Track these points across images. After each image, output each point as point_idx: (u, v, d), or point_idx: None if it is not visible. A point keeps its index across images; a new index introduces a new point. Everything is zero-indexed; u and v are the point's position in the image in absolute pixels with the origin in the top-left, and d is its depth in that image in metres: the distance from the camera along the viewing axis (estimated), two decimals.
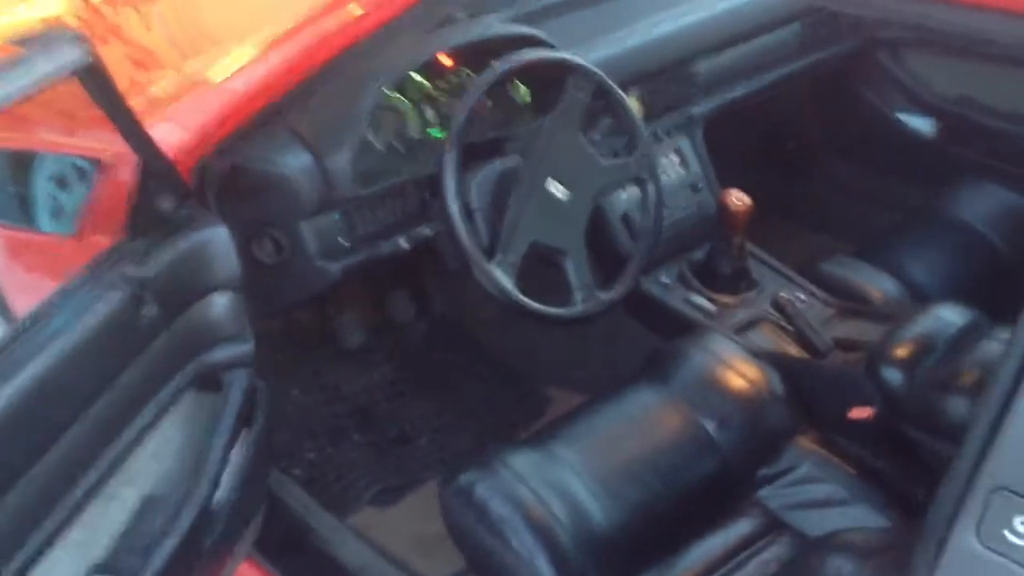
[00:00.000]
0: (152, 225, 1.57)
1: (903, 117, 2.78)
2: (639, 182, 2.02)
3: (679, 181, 2.38)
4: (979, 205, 2.56)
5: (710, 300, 2.24)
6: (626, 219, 2.25)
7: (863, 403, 1.93)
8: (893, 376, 1.88)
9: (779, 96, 2.61)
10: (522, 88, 2.18)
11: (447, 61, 2.11)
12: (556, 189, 1.90)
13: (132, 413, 1.52)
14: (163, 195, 1.58)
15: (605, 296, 1.93)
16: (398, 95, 2.04)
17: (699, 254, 2.35)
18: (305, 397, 2.49)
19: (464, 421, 2.51)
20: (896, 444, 1.91)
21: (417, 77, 2.07)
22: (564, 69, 1.93)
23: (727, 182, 2.39)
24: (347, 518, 2.23)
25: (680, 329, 2.19)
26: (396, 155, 2.02)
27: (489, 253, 1.84)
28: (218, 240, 1.63)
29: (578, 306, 1.90)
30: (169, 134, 1.72)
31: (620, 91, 2.00)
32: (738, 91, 2.52)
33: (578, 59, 1.95)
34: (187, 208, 1.63)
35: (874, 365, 1.91)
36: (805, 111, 2.92)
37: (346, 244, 1.91)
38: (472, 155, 2.00)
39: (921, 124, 2.76)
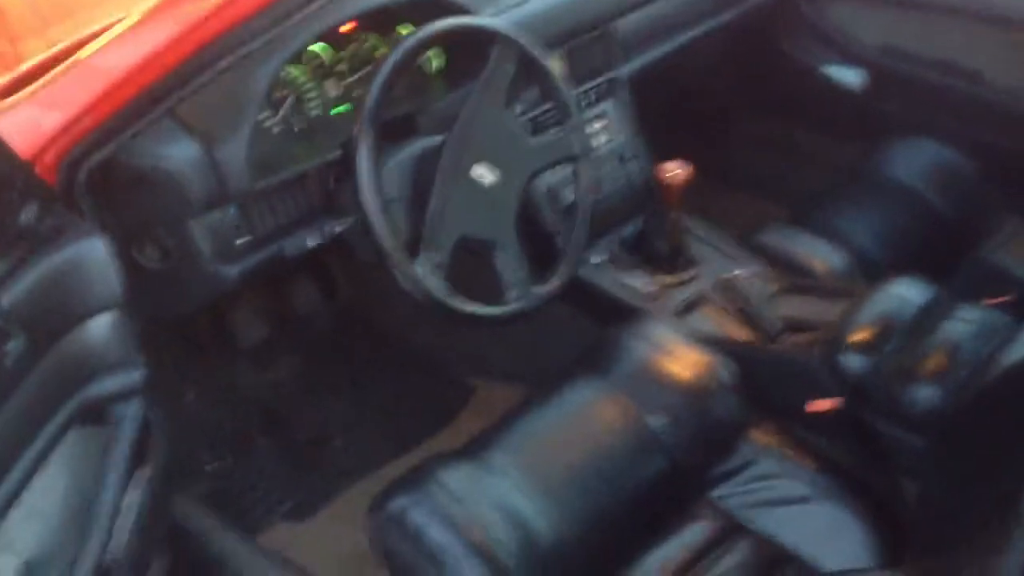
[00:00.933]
0: (8, 242, 1.31)
1: (829, 70, 2.63)
2: (572, 160, 1.82)
3: (607, 151, 2.20)
4: (913, 161, 2.43)
5: (646, 280, 2.06)
6: (552, 195, 2.06)
7: (820, 391, 1.80)
8: (853, 363, 1.75)
9: (701, 53, 2.43)
10: (433, 57, 1.95)
11: (347, 28, 1.87)
12: (483, 174, 1.69)
13: (2, 469, 1.27)
14: (19, 203, 1.32)
15: (540, 290, 1.74)
16: (295, 70, 1.80)
17: (630, 229, 2.18)
18: (201, 401, 2.25)
19: (381, 418, 2.31)
20: (860, 435, 1.78)
21: (316, 49, 1.83)
22: (487, 37, 1.71)
23: (654, 149, 2.23)
24: (260, 538, 2.01)
25: (614, 313, 2.03)
26: (295, 139, 1.79)
27: (411, 250, 1.62)
28: (93, 254, 1.38)
29: (511, 304, 1.70)
30: (25, 125, 1.46)
31: (548, 60, 1.79)
32: (660, 50, 2.33)
33: (502, 25, 1.73)
34: (53, 217, 1.37)
35: (831, 352, 1.77)
36: (728, 68, 2.74)
37: (243, 243, 1.68)
38: (383, 135, 1.78)
39: (848, 77, 2.61)
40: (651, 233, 2.09)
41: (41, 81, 1.54)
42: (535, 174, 1.76)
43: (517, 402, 1.82)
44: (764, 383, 1.87)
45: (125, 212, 1.60)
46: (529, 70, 1.78)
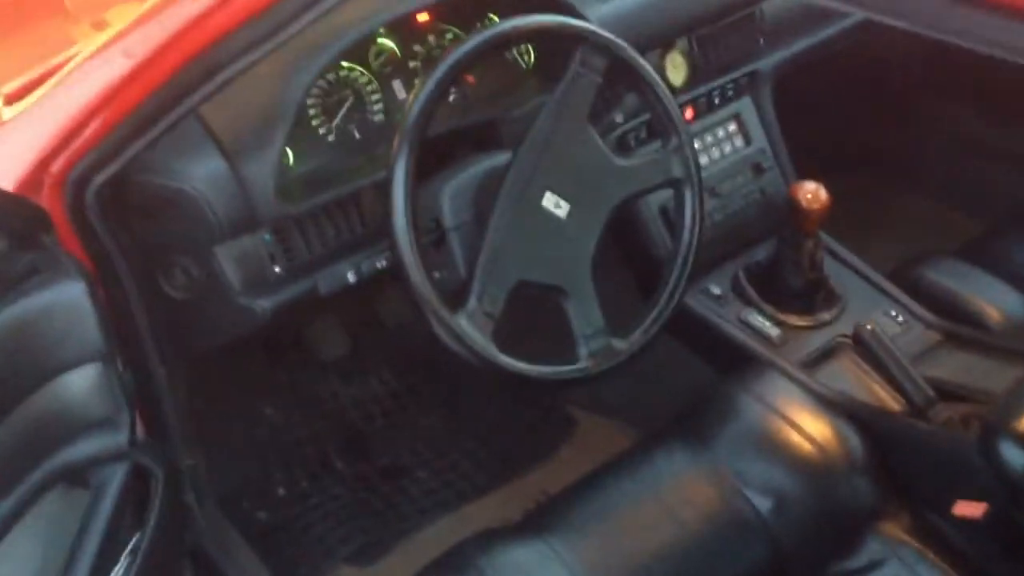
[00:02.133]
0: None
1: None
2: (673, 185, 1.50)
3: (739, 159, 1.86)
4: None
5: (773, 321, 1.73)
6: (665, 216, 1.75)
7: (975, 485, 1.43)
8: (1017, 457, 1.37)
9: (867, 39, 2.01)
10: (524, 51, 1.67)
11: (425, 18, 1.60)
12: (555, 204, 1.39)
13: None
14: None
15: (622, 345, 1.43)
16: (356, 66, 1.55)
17: (761, 253, 1.83)
18: (280, 416, 2.07)
19: (475, 447, 2.07)
20: (1018, 543, 1.41)
21: (384, 41, 1.58)
22: (569, 37, 1.41)
23: (796, 157, 1.87)
24: None
25: (731, 358, 1.71)
26: (352, 149, 1.55)
27: (457, 297, 1.35)
28: (70, 299, 1.19)
29: (583, 362, 1.41)
30: (27, 135, 1.28)
31: (648, 67, 1.46)
32: (817, 36, 1.95)
33: (590, 26, 1.42)
34: (29, 254, 1.19)
35: (991, 436, 1.40)
36: (902, 57, 2.29)
37: (279, 273, 1.46)
38: (450, 149, 1.52)
39: None
40: (783, 263, 1.74)
41: (50, 83, 1.35)
42: (622, 204, 1.45)
43: (594, 466, 1.55)
44: (905, 466, 1.54)
45: (143, 236, 1.41)
46: (623, 76, 1.47)
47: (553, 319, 1.44)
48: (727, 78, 1.85)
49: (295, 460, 2.03)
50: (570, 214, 1.40)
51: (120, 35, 1.32)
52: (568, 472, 1.61)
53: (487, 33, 1.35)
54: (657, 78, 1.47)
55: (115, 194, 1.36)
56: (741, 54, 1.85)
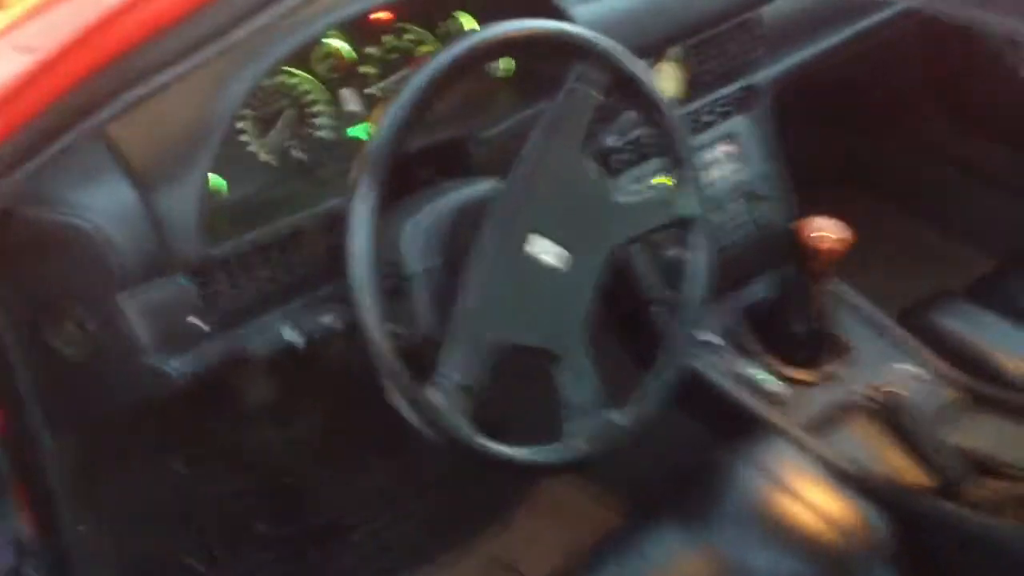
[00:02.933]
0: None
1: None
2: (683, 225, 1.26)
3: (731, 184, 1.63)
4: None
5: (776, 374, 1.50)
6: (649, 244, 1.52)
7: None
8: None
9: (877, 50, 1.81)
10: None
11: (383, 15, 1.34)
12: (543, 250, 1.14)
13: None
14: None
15: (622, 420, 1.19)
16: (296, 71, 1.28)
17: (757, 293, 1.61)
18: (192, 470, 1.77)
19: (423, 505, 1.81)
20: None
21: (331, 41, 1.31)
22: (570, 49, 1.15)
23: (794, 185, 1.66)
24: None
25: (729, 418, 1.48)
26: (292, 171, 1.27)
27: (418, 359, 1.09)
28: None
29: (577, 441, 1.16)
30: None
31: (654, 84, 1.22)
32: (821, 44, 1.73)
33: (593, 35, 1.17)
34: None
35: None
36: (917, 71, 2.08)
37: (201, 328, 1.18)
38: (407, 173, 1.26)
39: None
40: (786, 308, 1.52)
41: None
42: (619, 247, 1.21)
43: (564, 538, 1.32)
44: (934, 552, 1.32)
45: (27, 282, 1.12)
46: (625, 94, 1.22)
47: (536, 385, 1.19)
48: (722, 92, 1.62)
49: (209, 524, 1.74)
50: (561, 262, 1.15)
51: (15, 23, 1.04)
52: (533, 542, 1.37)
53: (474, 39, 1.09)
54: (664, 98, 1.23)
55: None
56: (738, 65, 1.62)
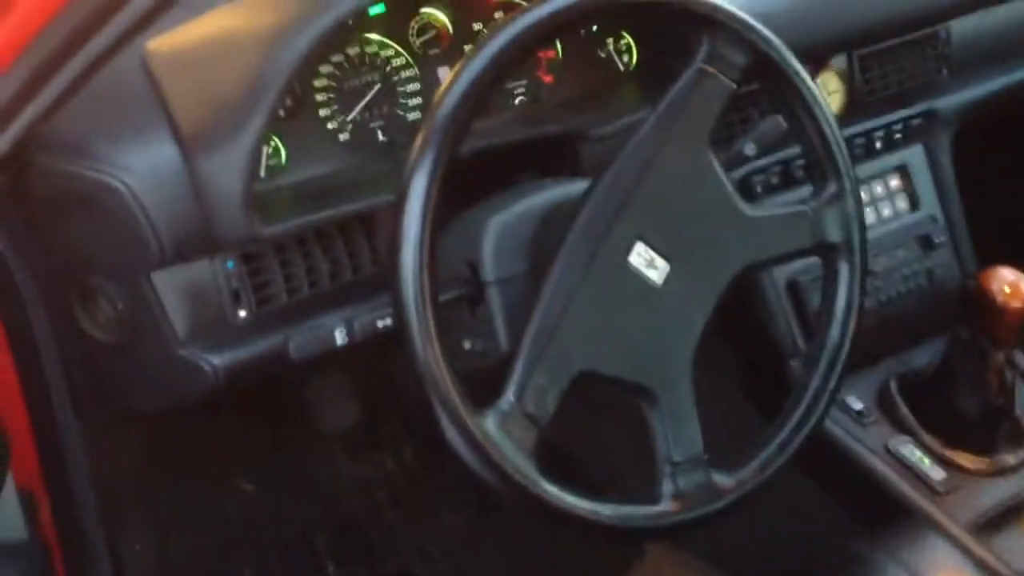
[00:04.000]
0: None
1: None
2: (825, 253, 1.02)
3: (900, 227, 1.39)
4: None
5: (936, 458, 1.23)
6: (794, 294, 1.28)
7: None
8: None
9: None
10: (624, 47, 1.22)
11: None
12: (649, 263, 0.92)
13: None
14: None
15: (727, 482, 0.95)
16: (390, 42, 1.12)
17: (922, 358, 1.35)
18: (262, 495, 1.61)
19: (502, 559, 1.59)
20: None
21: (431, 11, 1.14)
22: (696, 21, 0.95)
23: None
24: None
25: (873, 503, 1.22)
26: (372, 153, 1.11)
27: (492, 385, 0.89)
28: None
29: (668, 502, 0.93)
30: None
31: (808, 77, 1.00)
32: (1015, 75, 1.47)
33: (725, 4, 0.96)
34: None
35: None
36: None
37: (243, 319, 1.01)
38: (506, 170, 1.08)
39: None
40: (955, 378, 1.25)
41: None
42: (745, 272, 0.98)
43: None
44: None
45: (55, 248, 0.99)
46: (768, 87, 1.00)
47: (625, 430, 0.97)
48: (895, 116, 1.38)
49: (272, 552, 1.57)
50: (669, 279, 0.93)
51: None
52: None
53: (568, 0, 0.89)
54: (820, 95, 1.00)
55: (12, 182, 0.93)
56: (917, 86, 1.38)
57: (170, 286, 0.99)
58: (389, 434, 1.69)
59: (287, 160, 1.07)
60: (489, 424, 0.86)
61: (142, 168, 0.94)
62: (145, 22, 0.78)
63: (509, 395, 0.88)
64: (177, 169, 0.95)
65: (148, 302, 0.99)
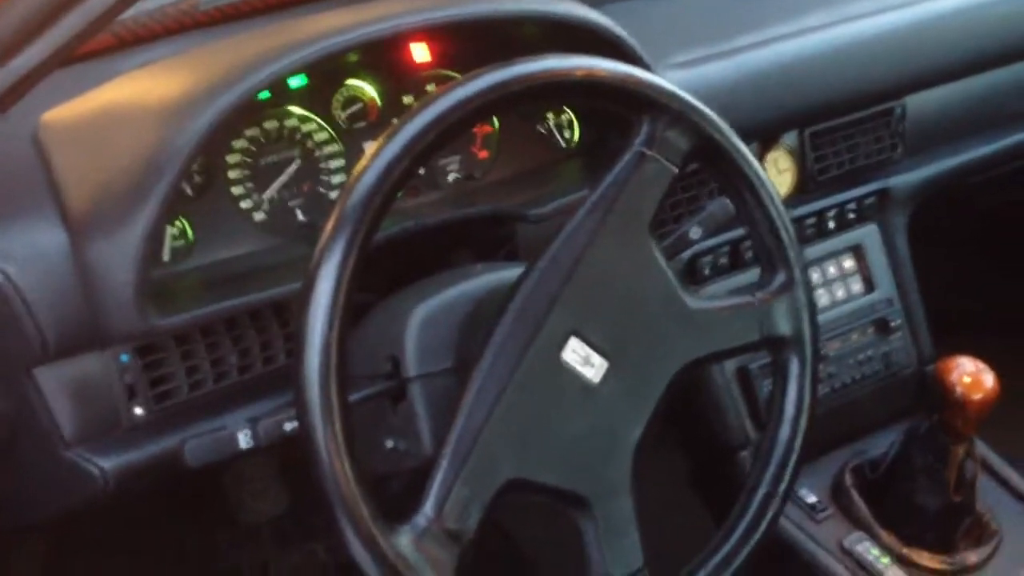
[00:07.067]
0: None
1: None
2: (775, 347, 0.95)
3: (854, 309, 1.33)
4: None
5: (892, 556, 1.16)
6: (743, 383, 1.21)
7: None
8: None
9: None
10: (566, 119, 1.15)
11: (424, 57, 1.09)
12: (584, 360, 0.85)
13: None
14: None
15: None
16: (312, 115, 1.04)
17: (876, 447, 1.28)
18: None
19: None
20: None
21: (357, 83, 1.07)
22: (635, 103, 0.88)
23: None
24: None
25: None
26: (289, 234, 1.03)
27: (410, 496, 0.80)
28: None
29: None
30: None
31: (753, 159, 0.93)
32: (976, 151, 1.43)
33: (668, 85, 0.89)
34: None
35: None
36: None
37: (138, 417, 0.92)
38: (435, 253, 1.00)
39: None
40: (913, 471, 1.18)
41: None
42: (692, 367, 0.90)
43: None
44: None
45: None
46: (713, 170, 0.94)
47: (556, 538, 0.89)
48: (848, 195, 1.32)
49: None
50: (606, 378, 0.85)
51: None
52: None
53: (504, 73, 0.82)
54: (767, 181, 0.94)
55: None
56: (870, 164, 1.32)
57: (55, 381, 0.89)
58: (318, 521, 1.59)
59: (195, 242, 0.99)
60: (403, 543, 0.77)
61: (24, 254, 0.85)
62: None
63: (427, 509, 0.79)
64: (64, 256, 0.86)
65: (29, 400, 0.89)
